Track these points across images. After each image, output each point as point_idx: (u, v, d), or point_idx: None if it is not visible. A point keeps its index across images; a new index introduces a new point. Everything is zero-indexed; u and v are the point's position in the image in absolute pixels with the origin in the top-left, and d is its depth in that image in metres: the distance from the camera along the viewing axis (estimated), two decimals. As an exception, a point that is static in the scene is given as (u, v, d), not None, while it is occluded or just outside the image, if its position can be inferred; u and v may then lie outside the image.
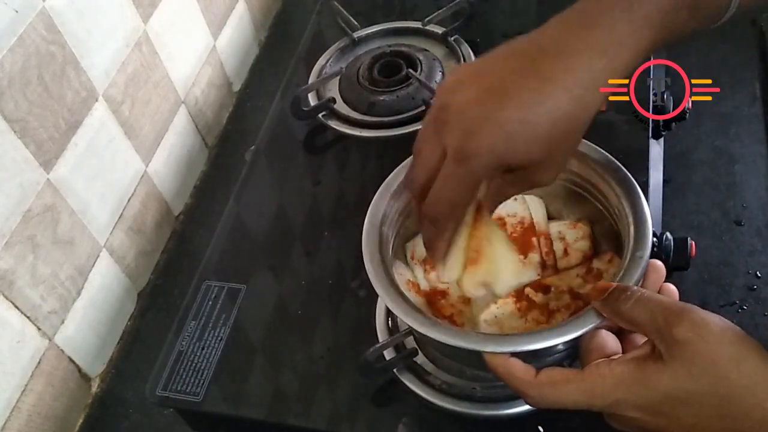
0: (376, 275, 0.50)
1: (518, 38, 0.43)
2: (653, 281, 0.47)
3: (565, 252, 0.57)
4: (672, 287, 0.47)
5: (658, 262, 0.48)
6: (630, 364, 0.41)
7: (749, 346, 0.39)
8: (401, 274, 0.57)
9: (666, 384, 0.39)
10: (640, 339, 0.44)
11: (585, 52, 0.41)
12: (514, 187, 0.47)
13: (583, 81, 0.41)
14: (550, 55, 0.41)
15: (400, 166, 0.56)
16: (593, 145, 0.53)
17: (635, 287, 0.44)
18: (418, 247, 0.59)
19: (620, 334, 0.46)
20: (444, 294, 0.57)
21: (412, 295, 0.56)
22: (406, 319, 0.48)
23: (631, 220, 0.50)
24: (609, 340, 0.44)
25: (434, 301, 0.57)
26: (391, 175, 0.56)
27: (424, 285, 0.58)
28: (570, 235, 0.58)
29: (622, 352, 0.44)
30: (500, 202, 0.49)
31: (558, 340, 0.44)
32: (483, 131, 0.40)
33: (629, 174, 0.52)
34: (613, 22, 0.41)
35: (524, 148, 0.41)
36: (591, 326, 0.45)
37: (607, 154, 0.53)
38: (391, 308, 0.49)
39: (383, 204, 0.55)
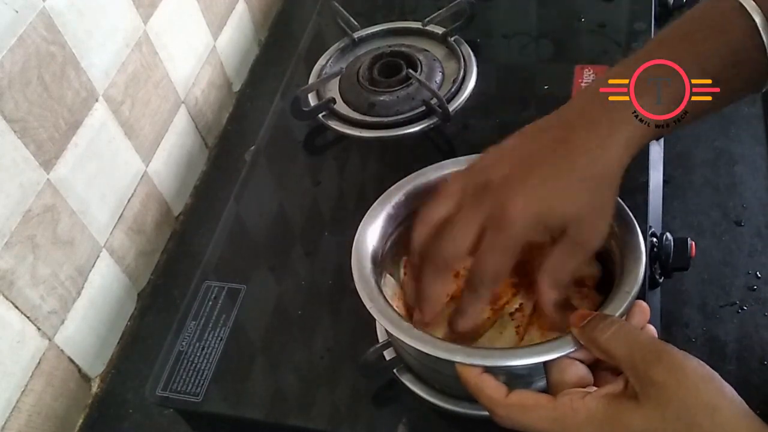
0: (358, 263, 0.51)
1: (545, 117, 0.48)
2: (637, 323, 0.46)
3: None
4: (652, 329, 0.46)
5: (644, 304, 0.46)
6: (603, 400, 0.41)
7: (725, 395, 0.38)
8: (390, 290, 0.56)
9: (637, 424, 0.39)
10: (613, 377, 0.44)
11: (604, 122, 0.45)
12: (569, 258, 0.46)
13: (604, 144, 0.45)
14: (575, 127, 0.46)
15: (403, 179, 0.56)
16: None
17: (616, 317, 0.44)
18: None
19: (594, 368, 0.45)
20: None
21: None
22: (382, 319, 0.48)
23: (623, 253, 0.49)
24: (582, 371, 0.44)
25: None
26: (393, 187, 0.56)
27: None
28: None
29: (594, 385, 0.44)
30: (562, 281, 0.47)
31: (530, 361, 0.44)
32: (517, 198, 0.44)
33: (624, 204, 0.51)
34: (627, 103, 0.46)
35: (558, 205, 0.44)
36: (566, 351, 0.44)
37: None
38: (365, 303, 0.49)
39: (382, 213, 0.55)
